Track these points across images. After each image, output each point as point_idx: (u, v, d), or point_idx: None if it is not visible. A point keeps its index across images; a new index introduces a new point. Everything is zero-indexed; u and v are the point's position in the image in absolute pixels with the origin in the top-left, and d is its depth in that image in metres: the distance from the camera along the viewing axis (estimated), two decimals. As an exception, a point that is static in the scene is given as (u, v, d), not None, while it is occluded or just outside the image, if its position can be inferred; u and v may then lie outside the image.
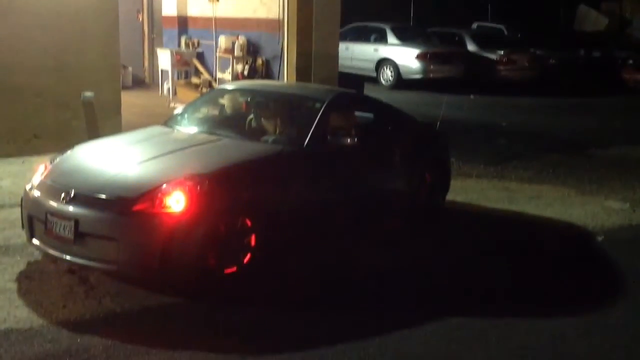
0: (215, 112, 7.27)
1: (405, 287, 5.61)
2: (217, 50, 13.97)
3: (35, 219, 5.25)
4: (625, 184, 9.46)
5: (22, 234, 5.56)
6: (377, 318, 4.95)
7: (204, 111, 7.14)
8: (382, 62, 18.44)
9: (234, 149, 5.90)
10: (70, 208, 5.00)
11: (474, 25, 22.80)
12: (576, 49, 21.30)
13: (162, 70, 14.42)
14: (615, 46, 22.35)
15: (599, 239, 7.06)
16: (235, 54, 13.53)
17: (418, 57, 17.90)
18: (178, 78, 14.37)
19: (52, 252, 5.13)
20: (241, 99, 7.24)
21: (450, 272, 5.97)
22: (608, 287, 5.93)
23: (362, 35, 19.22)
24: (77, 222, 4.93)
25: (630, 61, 20.67)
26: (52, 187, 5.23)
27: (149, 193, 4.96)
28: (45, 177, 5.40)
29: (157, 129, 6.51)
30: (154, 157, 5.52)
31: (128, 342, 4.31)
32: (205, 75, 14.32)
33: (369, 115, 7.28)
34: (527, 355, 4.55)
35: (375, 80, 18.07)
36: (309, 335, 4.63)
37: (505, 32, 22.26)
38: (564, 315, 5.20)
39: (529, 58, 19.51)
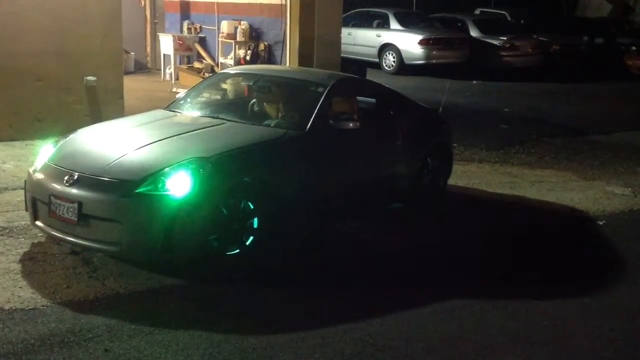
0: (218, 96, 7.29)
1: (406, 268, 5.64)
2: (220, 35, 13.95)
3: (39, 201, 5.28)
4: (627, 169, 9.48)
5: (26, 216, 5.60)
6: (378, 299, 4.98)
7: (207, 95, 7.15)
8: (384, 48, 18.41)
9: (237, 132, 5.90)
10: (74, 190, 5.02)
11: (477, 11, 22.71)
12: (579, 35, 21.20)
13: (164, 55, 14.41)
14: (619, 33, 22.25)
15: (600, 223, 7.09)
16: (238, 38, 13.50)
17: (420, 42, 17.87)
18: (180, 63, 14.36)
19: (55, 233, 5.16)
20: (244, 84, 7.26)
21: (451, 255, 5.99)
22: (608, 270, 5.96)
23: (365, 21, 19.19)
24: (80, 204, 4.95)
25: (634, 48, 20.63)
26: (56, 170, 5.26)
27: (152, 175, 4.99)
28: (49, 160, 5.42)
29: (159, 113, 6.52)
30: (157, 141, 5.53)
31: (131, 322, 4.35)
32: (208, 60, 14.30)
33: (372, 100, 7.29)
34: (527, 336, 4.58)
35: (377, 66, 18.05)
36: (310, 315, 4.66)
37: (509, 18, 22.17)
38: (564, 297, 5.23)
39: (532, 44, 19.43)
